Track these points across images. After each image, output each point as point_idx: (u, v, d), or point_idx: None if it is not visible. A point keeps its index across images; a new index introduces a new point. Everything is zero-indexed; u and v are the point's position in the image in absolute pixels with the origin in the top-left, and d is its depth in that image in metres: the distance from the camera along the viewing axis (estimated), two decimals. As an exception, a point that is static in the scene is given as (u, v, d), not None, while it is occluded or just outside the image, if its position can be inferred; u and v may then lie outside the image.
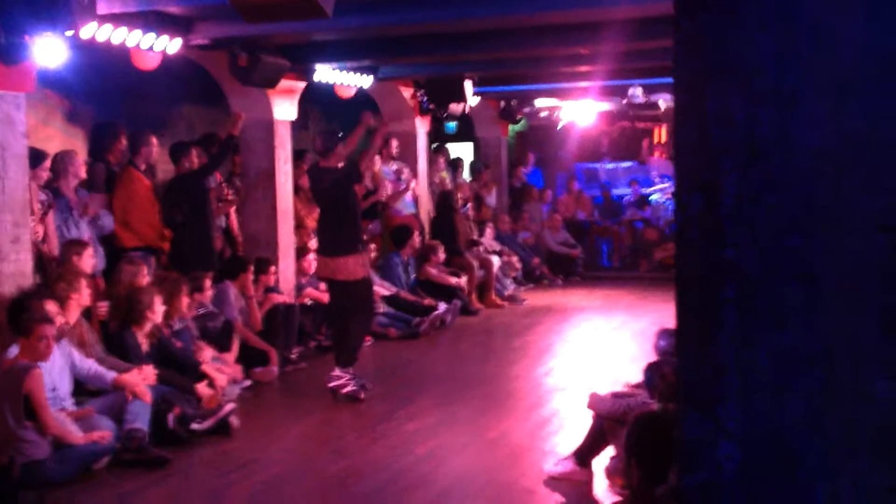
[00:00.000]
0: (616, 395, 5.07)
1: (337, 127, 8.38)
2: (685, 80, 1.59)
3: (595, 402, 5.11)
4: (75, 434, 5.31)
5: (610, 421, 4.96)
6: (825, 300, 1.50)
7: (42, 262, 6.45)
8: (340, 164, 7.24)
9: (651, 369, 4.07)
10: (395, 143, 11.34)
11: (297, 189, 9.59)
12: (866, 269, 1.50)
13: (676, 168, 1.60)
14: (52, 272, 6.30)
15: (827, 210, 1.49)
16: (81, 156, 7.53)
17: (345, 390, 7.03)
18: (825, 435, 1.49)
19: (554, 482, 5.20)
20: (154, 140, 7.98)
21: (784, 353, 1.51)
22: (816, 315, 1.50)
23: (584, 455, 5.14)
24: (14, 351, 5.32)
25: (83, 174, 7.25)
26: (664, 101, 12.57)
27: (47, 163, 6.80)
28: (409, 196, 11.23)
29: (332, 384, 7.07)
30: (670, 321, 6.65)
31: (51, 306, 5.57)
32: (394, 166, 11.21)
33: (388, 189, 10.90)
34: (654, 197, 14.55)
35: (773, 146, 1.50)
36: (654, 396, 3.98)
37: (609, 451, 5.11)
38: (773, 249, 1.51)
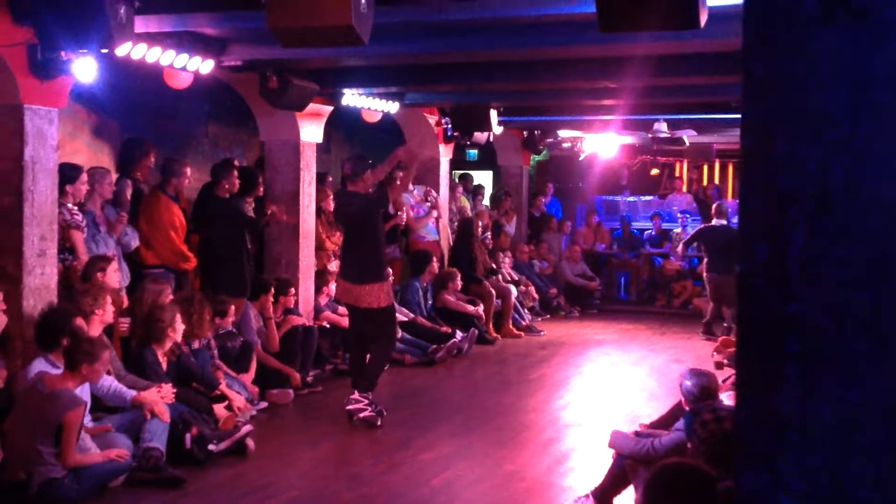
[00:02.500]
0: (639, 435, 5.00)
1: (364, 153, 8.35)
2: (754, 123, 1.56)
3: (617, 441, 5.05)
4: (93, 453, 5.29)
5: (632, 461, 4.90)
6: (893, 356, 1.46)
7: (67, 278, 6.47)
8: (368, 190, 7.23)
9: (691, 415, 3.99)
10: None
11: (319, 211, 9.60)
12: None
13: (742, 213, 1.57)
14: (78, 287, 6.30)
15: (899, 265, 1.45)
16: (110, 173, 7.55)
17: (362, 415, 6.99)
18: (890, 494, 1.45)
19: (573, 520, 5.14)
20: (188, 171, 7.96)
21: (849, 410, 1.47)
22: (884, 372, 1.46)
23: (604, 494, 5.07)
24: (39, 366, 5.31)
25: (109, 194, 7.26)
26: (688, 137, 12.55)
27: (84, 176, 6.81)
28: (432, 222, 11.21)
29: (349, 407, 7.03)
30: (688, 358, 6.61)
31: (80, 324, 5.56)
32: (415, 191, 11.18)
33: (409, 214, 10.88)
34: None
35: (844, 197, 1.47)
36: (693, 442, 3.91)
37: (630, 492, 5.04)
38: (841, 304, 1.48)
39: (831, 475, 1.49)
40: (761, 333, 1.54)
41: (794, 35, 1.51)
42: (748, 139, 1.57)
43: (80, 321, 5.60)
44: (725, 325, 10.91)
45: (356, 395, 7.06)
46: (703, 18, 4.41)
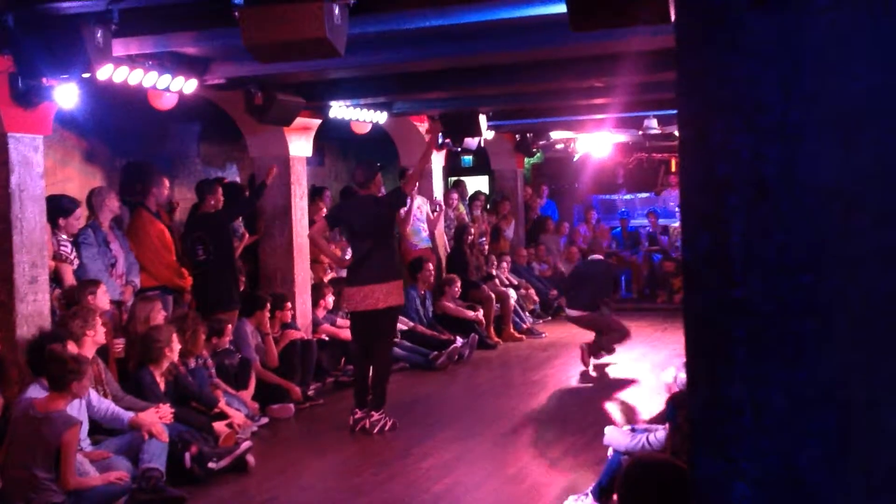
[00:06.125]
0: (634, 430, 5.01)
1: (372, 160, 8.25)
2: (689, 115, 1.58)
3: (612, 437, 5.06)
4: (92, 477, 5.30)
5: (628, 456, 4.90)
6: (837, 337, 1.47)
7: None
8: (381, 193, 7.50)
9: (673, 407, 3.98)
10: None
11: (311, 225, 9.60)
12: (877, 304, 1.48)
13: (683, 204, 1.58)
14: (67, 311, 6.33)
15: (837, 246, 1.47)
16: (112, 190, 7.64)
17: (387, 428, 7.17)
18: (841, 474, 1.46)
19: (573, 519, 5.14)
20: (166, 181, 8.02)
21: (798, 392, 1.48)
22: (829, 352, 1.47)
23: (603, 492, 5.07)
24: (34, 392, 5.32)
25: (117, 209, 7.34)
26: (679, 132, 12.53)
27: (79, 211, 6.86)
28: (424, 230, 11.20)
29: (375, 430, 7.12)
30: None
31: (72, 347, 5.58)
32: (417, 199, 11.12)
33: (399, 214, 10.83)
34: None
35: (779, 183, 1.48)
36: (675, 436, 3.90)
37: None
38: (783, 287, 1.49)
39: (784, 459, 1.50)
40: (708, 321, 1.55)
41: (724, 26, 1.53)
42: (685, 132, 1.59)
43: (70, 344, 5.62)
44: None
45: (375, 417, 7.16)
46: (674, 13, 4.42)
